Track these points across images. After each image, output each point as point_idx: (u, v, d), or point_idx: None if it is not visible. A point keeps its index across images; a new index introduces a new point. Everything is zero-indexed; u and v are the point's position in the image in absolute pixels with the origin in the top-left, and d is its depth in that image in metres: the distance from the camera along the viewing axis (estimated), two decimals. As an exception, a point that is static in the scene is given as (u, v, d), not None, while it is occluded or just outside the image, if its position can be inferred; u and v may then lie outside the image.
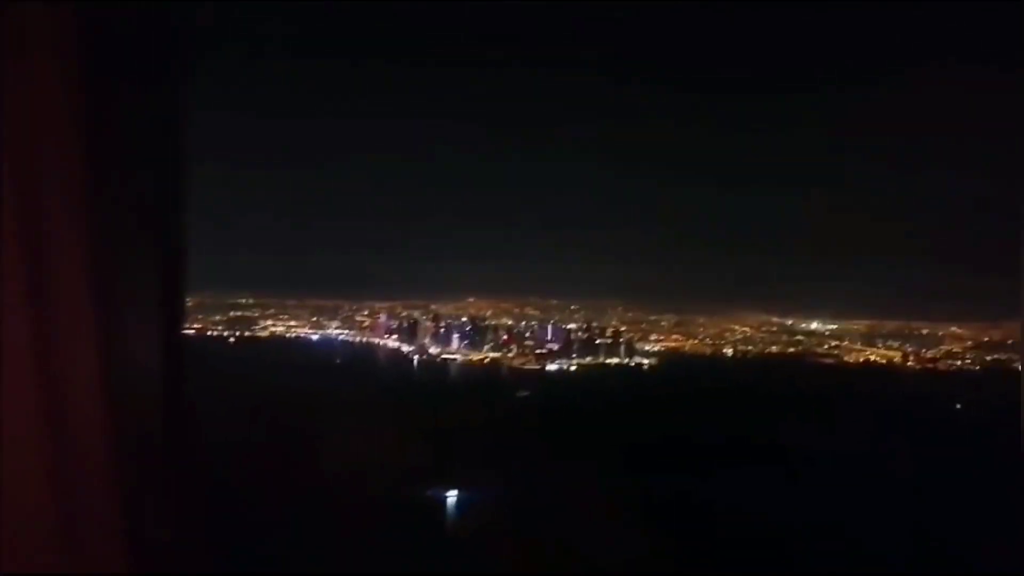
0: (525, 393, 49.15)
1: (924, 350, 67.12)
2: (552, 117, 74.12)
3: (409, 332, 63.95)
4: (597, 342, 64.57)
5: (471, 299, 70.65)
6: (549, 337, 63.85)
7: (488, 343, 62.84)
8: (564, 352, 62.48)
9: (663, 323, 72.88)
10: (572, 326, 66.62)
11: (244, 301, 66.03)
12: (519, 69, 67.30)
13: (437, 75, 69.08)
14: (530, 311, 70.91)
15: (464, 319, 65.93)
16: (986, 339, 68.53)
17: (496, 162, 74.92)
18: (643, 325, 72.08)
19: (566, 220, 75.79)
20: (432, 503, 28.88)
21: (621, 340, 65.51)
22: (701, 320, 72.73)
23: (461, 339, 63.14)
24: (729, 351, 69.54)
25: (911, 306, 68.64)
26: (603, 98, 71.47)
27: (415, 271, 71.95)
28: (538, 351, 61.28)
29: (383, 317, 65.24)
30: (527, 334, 64.05)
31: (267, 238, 65.48)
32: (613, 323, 70.84)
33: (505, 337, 62.67)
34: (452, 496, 29.62)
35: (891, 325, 71.39)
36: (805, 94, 70.25)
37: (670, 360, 65.35)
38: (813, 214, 73.54)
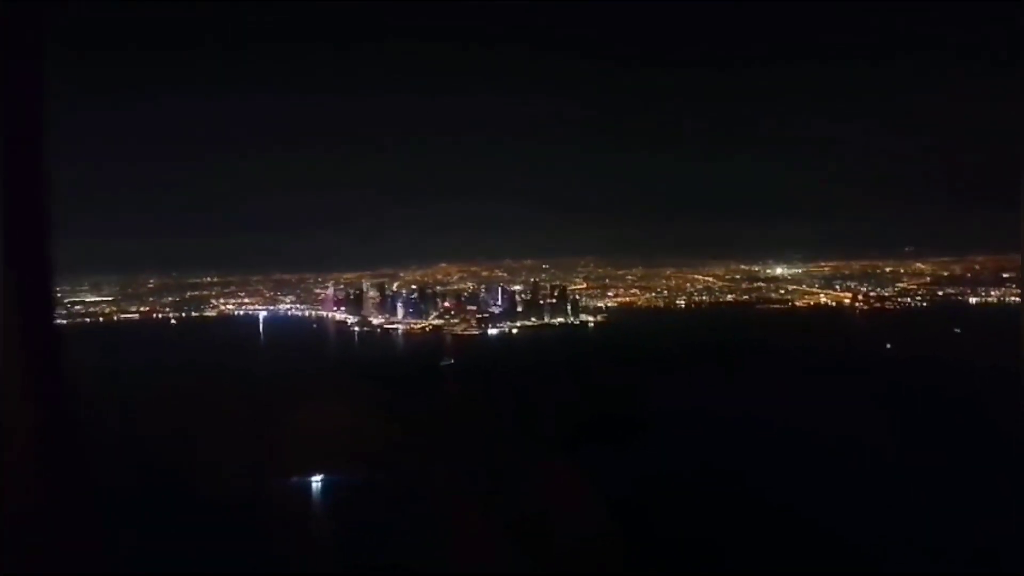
0: (449, 361, 49.35)
1: (878, 290, 66.48)
2: (516, 87, 75.41)
3: (355, 303, 64.44)
4: (541, 303, 64.58)
5: (443, 264, 72.02)
6: (495, 301, 63.93)
7: (433, 311, 63.15)
8: (508, 315, 62.57)
9: (629, 277, 73.70)
10: (518, 288, 66.83)
11: (206, 280, 67.43)
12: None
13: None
14: (499, 273, 71.51)
15: (413, 288, 66.43)
16: (945, 274, 67.59)
17: (463, 135, 75.77)
18: (606, 281, 72.84)
19: (540, 184, 77.69)
20: (293, 490, 29.24)
21: (569, 299, 65.47)
22: (668, 272, 73.47)
23: (406, 308, 63.47)
24: (682, 302, 69.72)
25: (880, 246, 68.72)
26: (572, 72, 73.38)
27: (387, 242, 72.03)
28: (479, 316, 61.37)
29: (330, 290, 65.71)
30: (472, 299, 64.23)
31: (235, 218, 67.12)
32: (575, 281, 71.32)
33: (446, 304, 62.85)
34: (316, 481, 30.13)
35: (856, 266, 71.35)
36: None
37: (617, 316, 65.25)
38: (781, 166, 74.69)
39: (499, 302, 63.73)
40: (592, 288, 70.69)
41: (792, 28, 70.76)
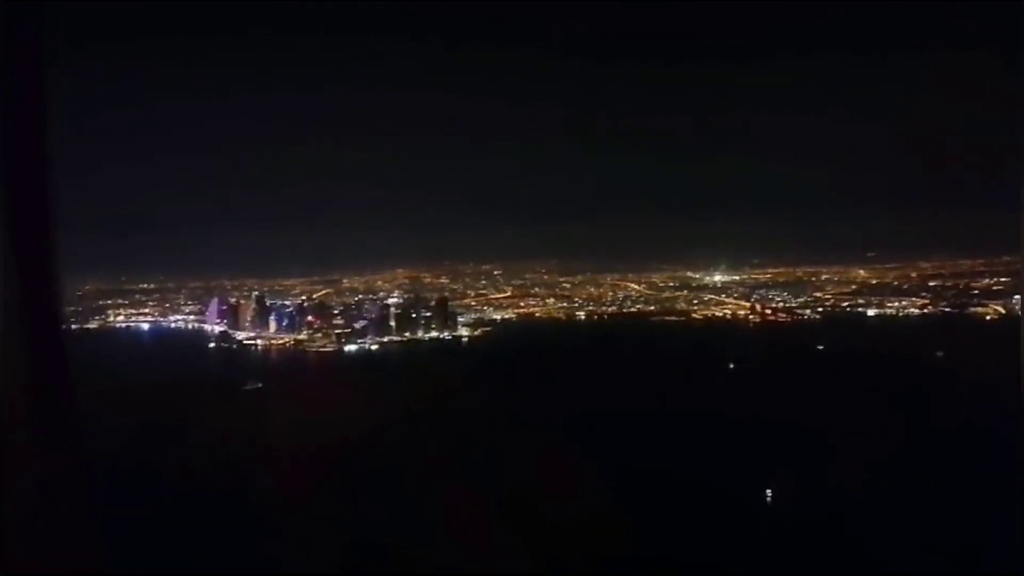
0: (255, 386, 47.22)
1: (789, 300, 61.51)
2: (473, 86, 72.73)
3: (232, 315, 63.22)
4: (414, 316, 61.64)
5: (399, 270, 70.26)
6: (364, 315, 61.52)
7: (303, 325, 61.29)
8: (375, 329, 59.97)
9: (565, 284, 70.48)
10: (393, 300, 64.15)
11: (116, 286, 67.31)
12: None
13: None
14: (442, 280, 69.59)
15: (303, 300, 64.78)
16: (874, 282, 62.10)
17: (416, 134, 73.35)
18: (536, 288, 69.82)
19: (498, 191, 74.20)
20: None
21: (447, 312, 62.33)
22: (609, 278, 69.88)
23: (279, 321, 61.80)
24: (583, 314, 66.09)
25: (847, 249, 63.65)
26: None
27: (344, 243, 69.24)
28: (340, 331, 59.03)
29: (214, 301, 64.66)
30: (341, 312, 62.02)
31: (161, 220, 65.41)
32: (481, 289, 68.71)
33: (310, 318, 60.77)
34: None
35: (799, 272, 65.98)
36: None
37: (501, 330, 62.04)
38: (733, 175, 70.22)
39: (368, 316, 61.24)
40: (502, 297, 68.07)
41: (766, 24, 64.90)
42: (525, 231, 73.03)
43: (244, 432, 36.06)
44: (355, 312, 61.61)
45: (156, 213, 65.93)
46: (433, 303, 63.17)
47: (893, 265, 62.13)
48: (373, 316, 61.00)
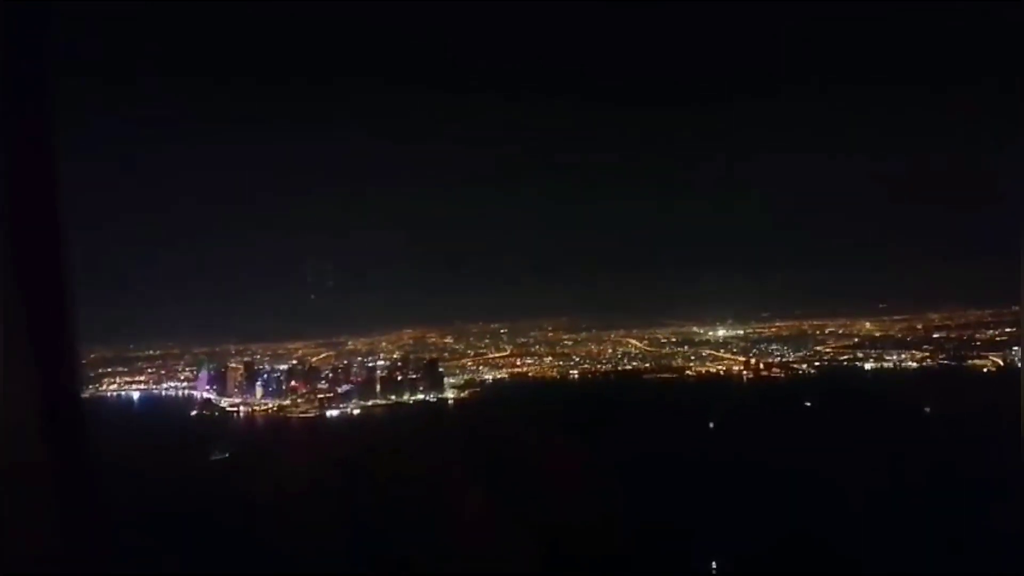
0: (222, 455, 46.28)
1: (788, 355, 59.40)
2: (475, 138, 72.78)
3: (221, 382, 62.78)
4: (400, 378, 60.55)
5: (408, 330, 69.59)
6: (348, 377, 60.59)
7: (288, 390, 60.53)
8: (360, 393, 58.95)
9: (567, 340, 69.55)
10: (380, 362, 63.21)
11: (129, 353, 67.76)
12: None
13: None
14: (447, 340, 68.85)
15: (286, 364, 64.20)
16: (877, 334, 59.86)
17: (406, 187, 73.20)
18: (537, 346, 68.92)
19: (512, 247, 73.60)
20: None
21: (434, 373, 61.20)
22: (611, 335, 68.68)
23: (266, 387, 61.16)
24: (576, 372, 64.66)
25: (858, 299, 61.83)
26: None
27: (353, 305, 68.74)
28: (322, 396, 58.09)
29: (204, 370, 64.35)
30: (328, 376, 61.16)
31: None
32: (479, 349, 67.85)
33: (294, 383, 59.98)
34: None
35: (805, 325, 63.94)
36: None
37: (491, 391, 60.79)
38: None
39: (355, 379, 60.32)
40: (500, 357, 67.10)
41: (773, 65, 63.83)
42: (539, 288, 71.98)
43: (188, 507, 35.06)
44: (341, 375, 60.62)
45: (162, 278, 66.19)
46: (422, 364, 62.06)
47: (900, 317, 59.90)
48: (359, 379, 59.98)
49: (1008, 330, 49.52)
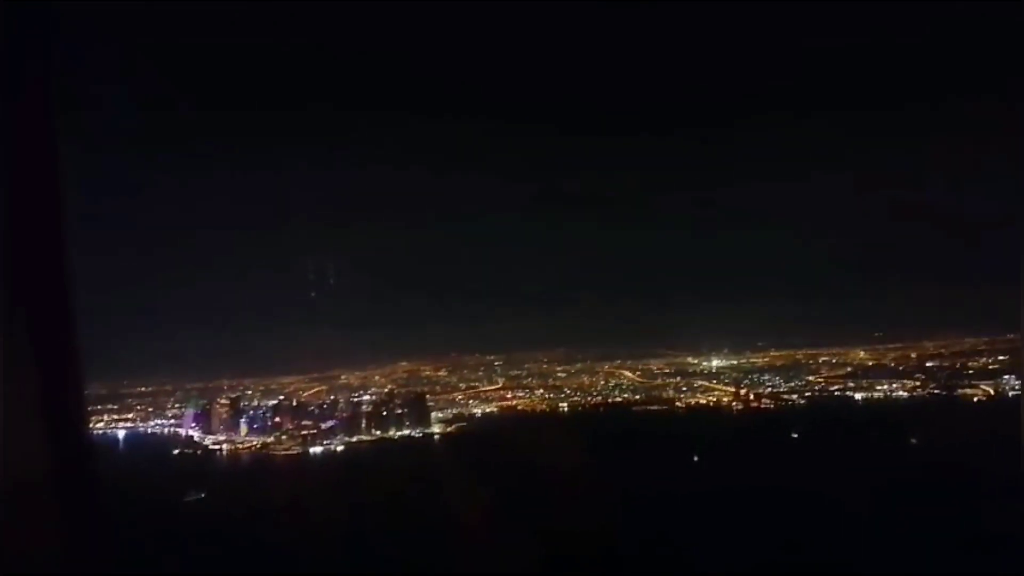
0: (196, 496, 45.36)
1: (780, 385, 58.39)
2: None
3: (206, 419, 62.05)
4: (385, 413, 59.66)
5: (404, 363, 68.84)
6: (334, 413, 59.73)
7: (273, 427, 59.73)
8: (346, 429, 58.07)
9: (560, 372, 68.74)
10: (367, 397, 62.32)
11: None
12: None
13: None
14: (441, 373, 68.11)
15: (276, 399, 63.45)
16: (871, 363, 58.81)
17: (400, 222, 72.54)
18: (531, 378, 68.13)
19: (512, 278, 73.23)
20: None
21: (421, 408, 60.31)
22: (606, 366, 67.79)
23: (250, 424, 60.41)
24: (566, 405, 63.70)
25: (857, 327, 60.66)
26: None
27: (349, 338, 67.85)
28: (307, 432, 57.24)
29: (190, 407, 63.66)
30: (314, 411, 60.32)
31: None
32: (466, 382, 67.09)
33: (278, 420, 59.17)
34: None
35: (800, 355, 62.89)
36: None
37: (478, 424, 59.87)
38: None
39: (341, 415, 59.47)
40: (492, 389, 66.35)
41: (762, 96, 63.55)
42: (537, 319, 71.35)
43: (157, 549, 34.33)
44: (328, 411, 59.81)
45: (161, 312, 65.85)
46: (409, 399, 61.26)
47: (895, 346, 58.86)
48: (345, 415, 59.15)
49: (1001, 358, 48.43)
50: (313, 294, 62.97)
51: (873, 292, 62.76)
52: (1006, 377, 44.73)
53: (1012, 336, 50.47)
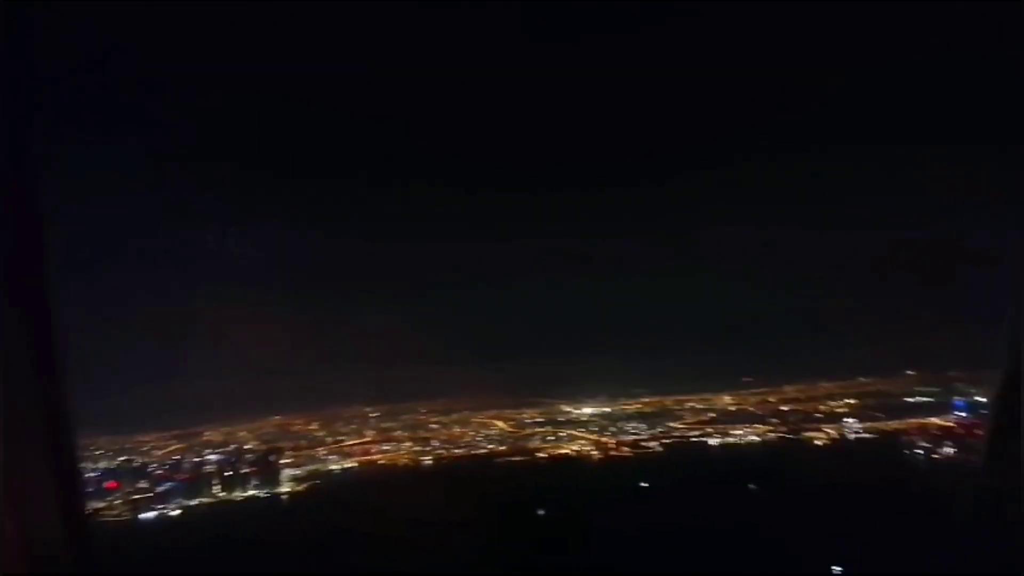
0: None
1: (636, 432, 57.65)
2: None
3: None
4: (229, 473, 55.95)
5: (277, 417, 64.13)
6: (174, 474, 55.66)
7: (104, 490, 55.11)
8: (185, 491, 54.08)
9: (433, 424, 66.00)
10: (213, 456, 58.48)
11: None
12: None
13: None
14: (312, 427, 64.49)
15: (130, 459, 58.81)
16: (747, 406, 58.53)
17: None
18: (398, 432, 65.19)
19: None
20: None
21: (266, 467, 56.84)
22: (480, 417, 65.53)
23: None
24: (430, 459, 61.35)
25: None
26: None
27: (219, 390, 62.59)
28: (137, 497, 53.01)
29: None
30: (148, 473, 56.07)
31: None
32: (335, 436, 64.07)
33: (109, 484, 54.63)
34: None
35: (667, 401, 62.15)
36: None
37: (324, 484, 56.87)
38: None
39: (181, 476, 55.47)
40: (358, 443, 63.54)
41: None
42: (423, 371, 68.09)
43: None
44: (167, 472, 55.78)
45: None
46: (258, 457, 57.85)
47: (759, 390, 58.75)
48: (185, 476, 55.24)
49: (849, 401, 49.01)
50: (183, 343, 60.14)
51: (738, 338, 62.37)
52: (847, 420, 45.31)
53: (864, 380, 51.63)
